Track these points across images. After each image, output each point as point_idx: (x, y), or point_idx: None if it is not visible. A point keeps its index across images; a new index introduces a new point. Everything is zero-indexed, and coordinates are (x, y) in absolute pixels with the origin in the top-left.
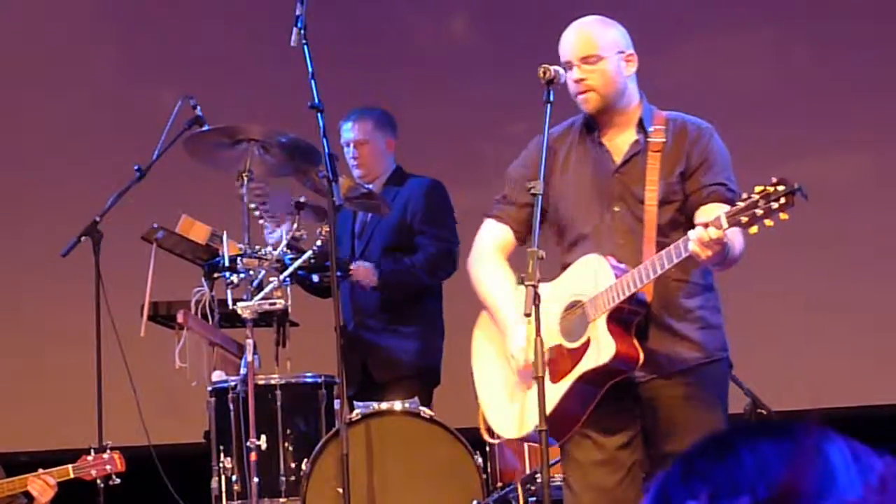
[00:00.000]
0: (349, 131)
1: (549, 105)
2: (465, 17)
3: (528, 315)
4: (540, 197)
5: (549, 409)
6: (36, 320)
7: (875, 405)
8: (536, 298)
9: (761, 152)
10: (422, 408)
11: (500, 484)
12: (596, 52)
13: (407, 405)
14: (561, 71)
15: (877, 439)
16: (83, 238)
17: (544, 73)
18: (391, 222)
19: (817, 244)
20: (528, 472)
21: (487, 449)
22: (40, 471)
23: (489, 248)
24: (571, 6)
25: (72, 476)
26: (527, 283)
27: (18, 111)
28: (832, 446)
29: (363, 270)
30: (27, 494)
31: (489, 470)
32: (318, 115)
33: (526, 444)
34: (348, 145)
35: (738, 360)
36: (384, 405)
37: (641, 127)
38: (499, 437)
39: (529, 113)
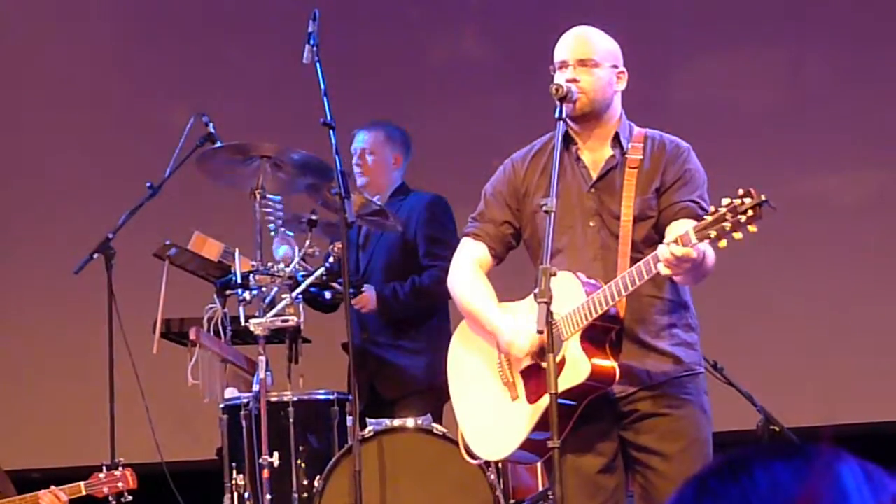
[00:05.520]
0: (360, 140)
1: (560, 122)
2: (476, 35)
3: (540, 332)
4: (552, 214)
5: (528, 429)
6: (49, 337)
7: (890, 421)
8: (550, 315)
9: (773, 167)
10: (434, 424)
11: (513, 501)
12: (593, 57)
13: (420, 422)
14: (574, 88)
15: (891, 457)
16: (96, 255)
17: (557, 90)
18: (392, 238)
19: (829, 260)
20: (540, 489)
21: (500, 466)
22: (52, 488)
23: (468, 264)
24: (581, 24)
25: (84, 493)
26: (539, 300)
27: (32, 128)
28: (845, 467)
29: (364, 298)
30: None
31: (502, 487)
32: (331, 132)
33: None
34: (356, 153)
35: (751, 376)
36: (397, 422)
37: (617, 142)
38: (479, 458)
39: (539, 129)
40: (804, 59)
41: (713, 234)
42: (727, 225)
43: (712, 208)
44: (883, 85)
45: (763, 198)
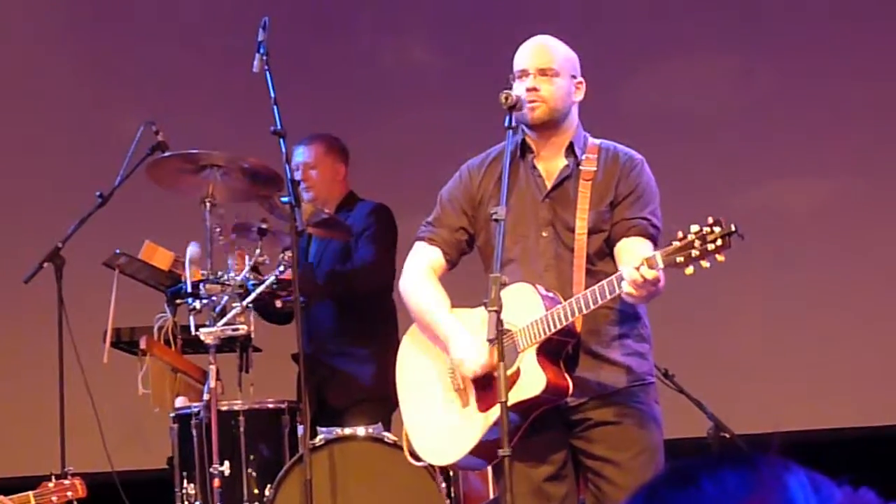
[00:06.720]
0: (301, 154)
1: (510, 130)
2: (425, 42)
3: (491, 341)
4: (502, 223)
5: (477, 437)
6: None
7: (837, 428)
8: (500, 324)
9: (723, 175)
10: (385, 433)
11: None
12: (554, 66)
13: (370, 430)
14: (523, 96)
15: (836, 463)
16: (45, 264)
17: (506, 98)
18: (337, 246)
19: (778, 268)
20: (491, 496)
21: (451, 474)
22: (1, 497)
23: (421, 268)
24: (532, 32)
25: (32, 503)
26: (489, 308)
27: None
28: (792, 477)
29: None
30: None
31: (453, 495)
32: (281, 140)
33: (490, 470)
34: (299, 168)
35: (701, 383)
36: (347, 431)
37: (571, 152)
38: (423, 461)
39: (488, 137)
40: (756, 67)
41: (680, 259)
42: (695, 252)
43: (680, 234)
44: (834, 92)
45: (733, 228)
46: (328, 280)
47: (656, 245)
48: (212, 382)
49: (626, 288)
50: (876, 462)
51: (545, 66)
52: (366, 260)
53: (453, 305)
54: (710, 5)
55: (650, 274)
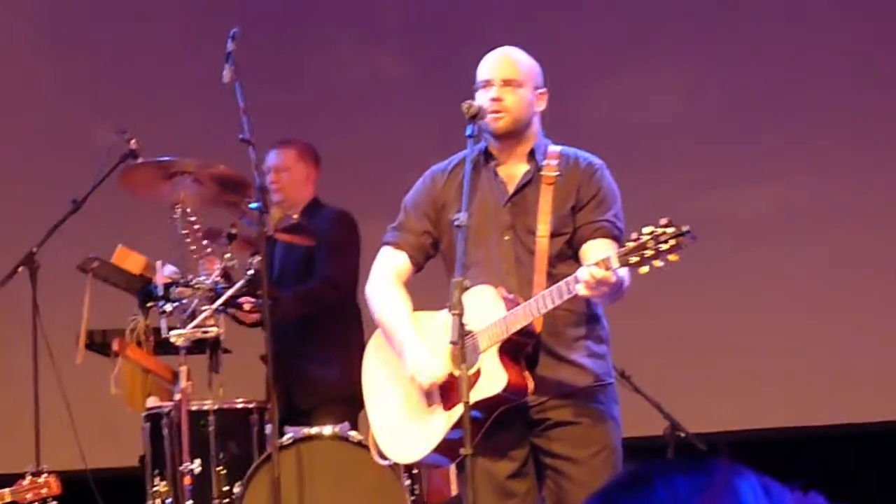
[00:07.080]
0: (273, 157)
1: (471, 139)
2: (393, 50)
3: (454, 343)
4: (464, 228)
5: (441, 435)
6: None
7: (789, 427)
8: (462, 328)
9: (672, 185)
10: (350, 432)
11: None
12: (518, 77)
13: (337, 430)
14: (486, 106)
15: (788, 461)
16: (20, 268)
17: (468, 108)
18: (302, 251)
19: (730, 272)
20: (453, 493)
21: (415, 472)
22: None
23: (387, 273)
24: (496, 44)
25: (8, 500)
26: (452, 312)
27: None
28: (744, 482)
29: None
30: None
31: (417, 492)
32: (250, 148)
33: (452, 467)
34: (271, 171)
35: (658, 384)
36: (314, 430)
37: (532, 158)
38: (388, 460)
39: (455, 144)
40: (702, 77)
41: (634, 260)
42: (648, 252)
43: (634, 235)
44: (786, 100)
45: (685, 229)
46: (294, 302)
47: (621, 246)
48: (182, 383)
49: (580, 289)
50: (834, 461)
51: (509, 77)
52: (326, 276)
53: (416, 309)
54: (663, 16)
55: (600, 274)
